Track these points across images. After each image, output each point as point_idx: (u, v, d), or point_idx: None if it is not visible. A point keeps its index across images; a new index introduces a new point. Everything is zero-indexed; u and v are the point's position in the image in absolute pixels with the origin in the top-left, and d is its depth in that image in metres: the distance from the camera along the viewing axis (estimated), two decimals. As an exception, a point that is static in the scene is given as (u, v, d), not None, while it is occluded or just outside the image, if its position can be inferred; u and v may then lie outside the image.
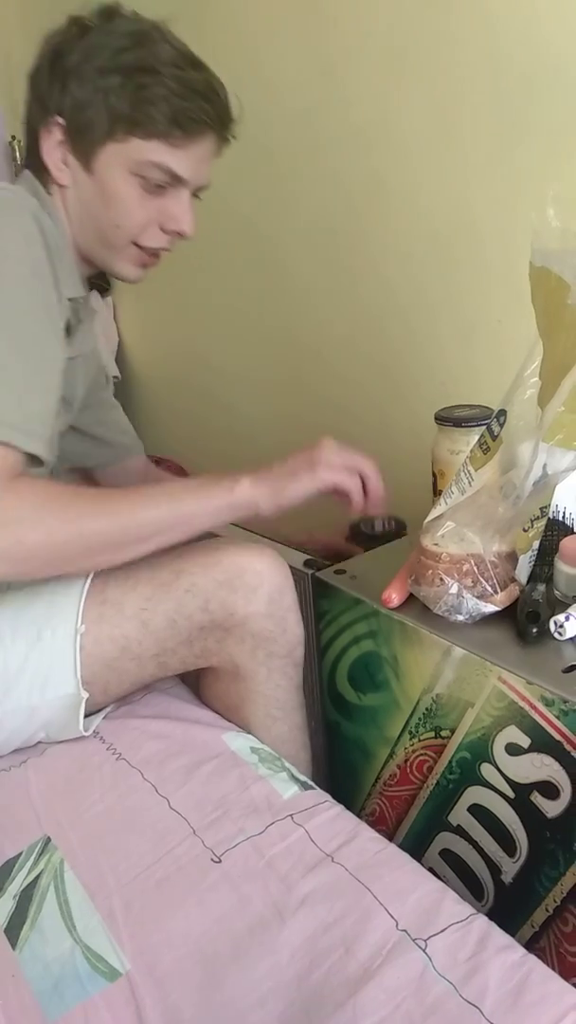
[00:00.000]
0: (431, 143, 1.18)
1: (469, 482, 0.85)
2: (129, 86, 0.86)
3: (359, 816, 0.84)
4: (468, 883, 0.87)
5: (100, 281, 2.01)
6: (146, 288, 1.97)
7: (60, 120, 0.88)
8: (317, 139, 1.34)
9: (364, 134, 1.26)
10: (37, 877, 0.77)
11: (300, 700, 0.98)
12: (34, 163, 0.92)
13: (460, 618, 0.81)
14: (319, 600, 0.97)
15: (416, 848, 0.91)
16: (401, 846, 0.79)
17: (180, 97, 0.87)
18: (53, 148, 0.89)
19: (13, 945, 0.72)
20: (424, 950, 0.67)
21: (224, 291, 1.67)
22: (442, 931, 0.68)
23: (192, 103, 0.88)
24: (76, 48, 0.87)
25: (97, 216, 0.91)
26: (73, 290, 0.93)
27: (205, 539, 0.92)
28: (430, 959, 0.66)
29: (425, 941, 0.67)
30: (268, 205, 1.47)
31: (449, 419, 0.98)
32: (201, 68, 0.91)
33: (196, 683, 1.01)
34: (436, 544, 0.83)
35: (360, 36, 1.21)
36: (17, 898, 0.76)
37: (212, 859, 0.77)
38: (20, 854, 0.80)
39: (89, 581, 0.91)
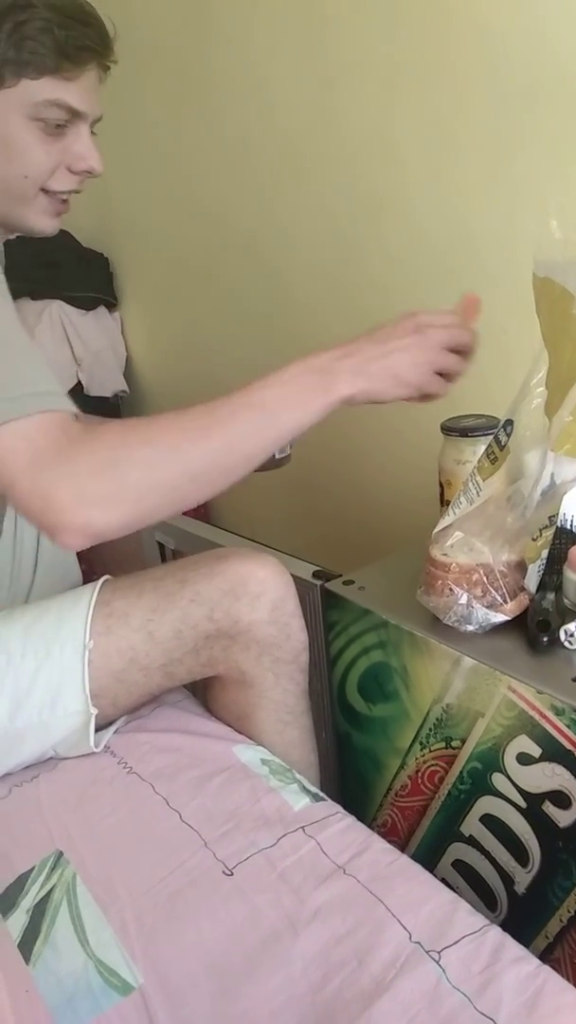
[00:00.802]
0: (431, 156, 1.19)
1: (477, 492, 0.85)
2: (6, 26, 0.82)
3: (370, 827, 0.83)
4: (481, 894, 0.87)
5: (107, 296, 2.03)
6: (153, 303, 1.99)
7: None
8: (317, 154, 1.35)
9: (364, 148, 1.27)
10: (50, 892, 0.77)
11: (308, 705, 0.98)
12: None
13: (470, 628, 0.81)
14: (328, 611, 0.97)
15: (428, 859, 0.90)
16: (413, 857, 0.79)
17: (61, 27, 0.83)
18: None
19: (27, 960, 0.72)
20: (438, 962, 0.66)
21: (229, 306, 1.68)
22: (456, 943, 0.68)
23: (74, 31, 0.83)
24: None
25: (1, 171, 0.86)
26: None
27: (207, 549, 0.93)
28: (444, 971, 0.66)
29: (439, 953, 0.67)
30: (271, 219, 1.48)
31: (455, 429, 0.98)
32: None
33: (204, 696, 1.02)
34: (445, 554, 0.83)
35: (359, 51, 1.22)
36: (30, 913, 0.76)
37: (224, 872, 0.77)
38: (33, 869, 0.80)
39: (96, 594, 0.92)
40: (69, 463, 0.72)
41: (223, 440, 0.77)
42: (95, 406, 1.97)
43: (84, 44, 0.84)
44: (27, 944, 0.73)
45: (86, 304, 1.97)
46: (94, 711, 0.89)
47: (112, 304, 2.05)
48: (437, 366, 0.83)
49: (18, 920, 0.75)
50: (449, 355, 0.83)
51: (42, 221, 0.92)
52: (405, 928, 0.69)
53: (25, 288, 1.93)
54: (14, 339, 0.77)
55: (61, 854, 0.81)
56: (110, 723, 0.95)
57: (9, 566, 1.02)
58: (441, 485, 1.02)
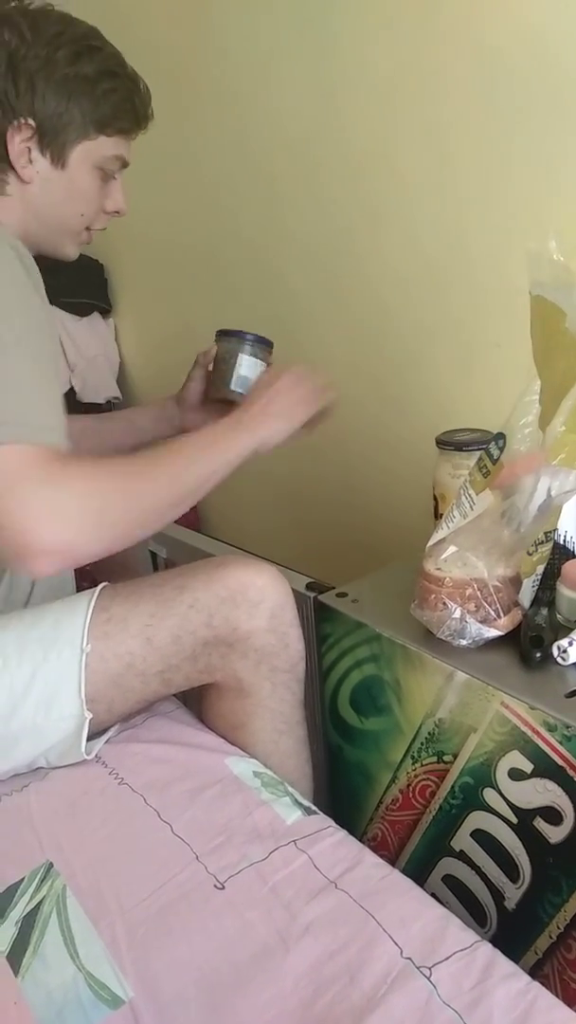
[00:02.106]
0: (428, 170, 1.19)
1: (471, 506, 0.86)
2: (99, 91, 0.94)
3: (361, 840, 0.83)
4: (471, 909, 0.87)
5: (101, 303, 2.03)
6: (147, 310, 1.99)
7: (31, 122, 0.92)
8: (316, 166, 1.35)
9: (362, 161, 1.28)
10: (39, 903, 0.77)
11: (303, 715, 0.99)
12: None
13: (463, 643, 0.82)
14: (321, 623, 0.97)
15: (419, 873, 0.91)
16: (403, 871, 0.79)
17: (137, 96, 0.98)
18: (20, 147, 0.93)
19: (16, 972, 0.71)
20: (429, 978, 0.66)
21: (224, 313, 1.68)
22: (447, 959, 0.68)
23: (143, 100, 1.00)
24: (28, 51, 0.92)
25: (61, 208, 0.97)
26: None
27: (199, 558, 0.94)
28: (435, 987, 0.66)
29: (430, 969, 0.67)
30: (269, 230, 1.49)
31: (450, 443, 0.99)
32: (121, 57, 0.99)
33: (198, 707, 1.01)
34: (439, 568, 0.83)
35: (358, 65, 1.23)
36: (19, 924, 0.75)
37: (215, 885, 0.77)
38: (22, 880, 0.79)
39: (95, 600, 0.92)
40: (47, 492, 0.77)
41: (171, 484, 0.88)
42: (88, 412, 1.97)
43: (148, 113, 1.00)
44: (16, 956, 0.73)
45: (81, 310, 1.97)
46: (88, 715, 0.89)
47: (106, 311, 2.05)
48: (311, 400, 1.02)
49: (7, 932, 0.75)
50: (315, 389, 1.02)
51: (73, 250, 1.04)
52: (396, 944, 0.69)
53: (20, 293, 1.93)
54: (30, 364, 0.81)
55: (51, 865, 0.81)
56: (102, 732, 0.95)
57: (6, 575, 1.01)
58: (435, 498, 1.03)
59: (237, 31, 1.40)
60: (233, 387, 1.11)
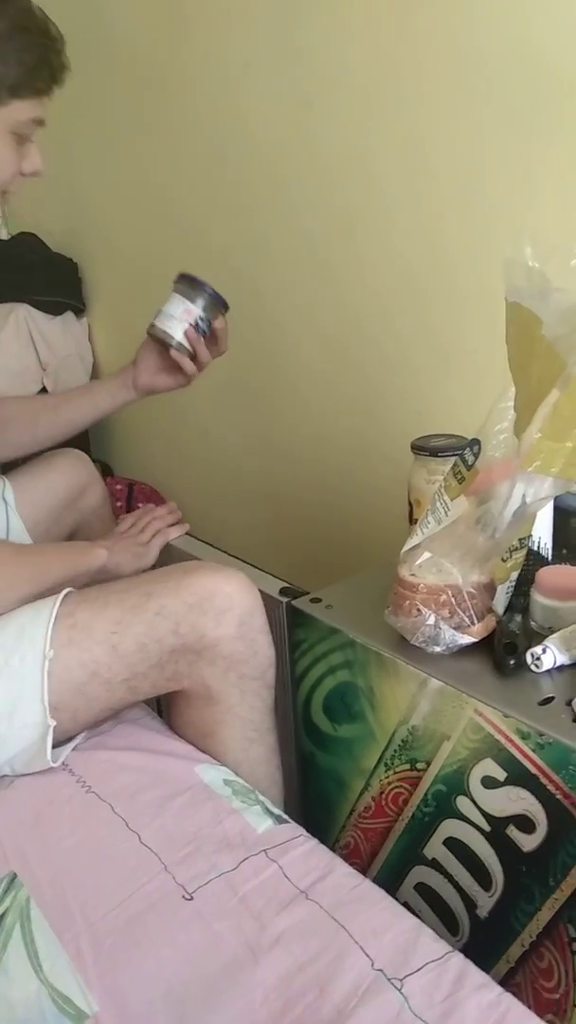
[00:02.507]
0: (404, 178, 1.19)
1: (445, 512, 0.85)
2: (9, 52, 0.87)
3: (333, 848, 0.82)
4: (443, 918, 0.86)
5: (75, 302, 2.00)
6: (121, 310, 1.97)
7: None
8: (292, 173, 1.35)
9: (338, 168, 1.27)
10: (2, 915, 0.75)
11: (274, 722, 0.98)
12: None
13: (437, 649, 0.81)
14: (294, 629, 0.96)
15: (391, 881, 0.90)
16: (376, 879, 0.78)
17: (52, 51, 0.91)
18: None
19: (-23, 988, 0.69)
20: (400, 990, 0.65)
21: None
22: (418, 970, 0.67)
23: (61, 56, 0.92)
24: None
25: None
26: None
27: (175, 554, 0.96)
28: (406, 999, 0.65)
29: (401, 981, 0.66)
30: (243, 237, 1.48)
31: (425, 448, 0.98)
32: (38, 11, 0.92)
33: (167, 713, 1.00)
34: (413, 574, 0.83)
35: (334, 70, 1.22)
36: (-19, 938, 0.73)
37: (184, 896, 0.75)
38: (-15, 891, 0.77)
39: (58, 605, 0.90)
40: None
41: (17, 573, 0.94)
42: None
43: (66, 66, 0.93)
44: (-22, 971, 0.71)
45: (53, 309, 1.94)
46: (52, 723, 0.87)
47: (80, 310, 2.02)
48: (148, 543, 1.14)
49: (-31, 945, 0.73)
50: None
51: None
52: (367, 955, 0.68)
53: (-9, 291, 1.90)
54: None
55: (15, 876, 0.79)
56: (69, 739, 0.93)
57: None
58: (410, 504, 1.02)
59: (213, 37, 1.39)
60: (156, 322, 1.13)
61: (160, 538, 1.15)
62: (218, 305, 1.13)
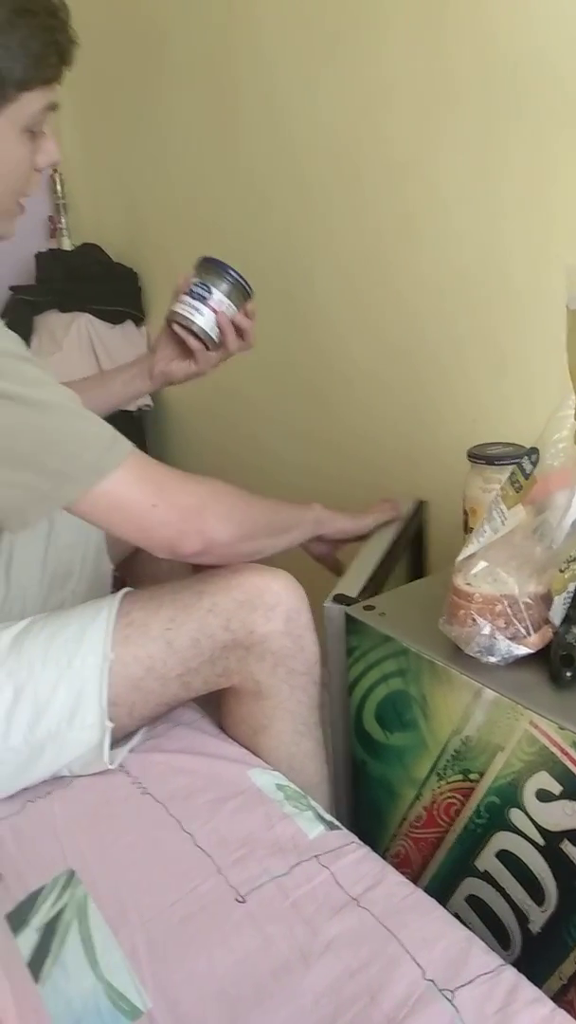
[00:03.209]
0: (464, 180, 1.19)
1: (502, 521, 0.85)
2: (14, 41, 0.78)
3: (383, 857, 0.82)
4: (494, 931, 0.86)
5: (134, 311, 2.04)
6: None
7: None
8: (354, 175, 1.35)
9: (400, 170, 1.27)
10: (61, 911, 0.77)
11: (320, 718, 0.99)
12: None
13: (492, 660, 0.81)
14: (348, 636, 0.97)
15: (441, 893, 0.89)
16: (426, 890, 0.78)
17: (60, 31, 0.81)
18: None
19: (36, 979, 0.71)
20: (452, 1001, 0.65)
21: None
22: (470, 982, 0.67)
23: (66, 34, 0.82)
24: None
25: None
26: None
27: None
28: (458, 1011, 0.65)
29: (452, 992, 0.66)
30: (300, 239, 1.49)
31: (482, 456, 0.98)
32: None
33: (219, 713, 1.01)
34: (468, 584, 0.82)
35: (398, 74, 1.22)
36: (41, 932, 0.75)
37: (236, 899, 0.76)
38: (44, 887, 0.79)
39: (116, 607, 0.92)
40: (195, 482, 0.89)
41: (274, 515, 1.00)
42: (119, 419, 1.97)
43: (74, 42, 0.83)
44: (37, 963, 0.73)
45: (114, 318, 1.98)
46: (110, 725, 0.89)
47: (139, 319, 2.06)
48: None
49: (28, 938, 0.75)
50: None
51: (8, 227, 0.90)
52: (419, 965, 0.68)
53: (55, 300, 1.95)
54: (63, 400, 0.81)
55: (73, 873, 0.81)
56: (125, 739, 0.95)
57: (41, 584, 1.03)
58: (465, 512, 1.02)
59: (279, 41, 1.41)
60: (176, 307, 1.08)
61: (378, 514, 1.14)
62: (243, 291, 1.09)
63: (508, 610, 0.80)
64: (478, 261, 1.20)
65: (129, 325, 2.03)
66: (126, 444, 0.83)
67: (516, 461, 0.90)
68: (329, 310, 1.46)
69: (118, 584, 1.17)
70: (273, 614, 0.90)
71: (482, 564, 0.83)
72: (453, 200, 1.21)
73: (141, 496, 0.83)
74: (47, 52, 0.80)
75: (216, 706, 1.01)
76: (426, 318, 1.30)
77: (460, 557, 0.86)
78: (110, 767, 0.91)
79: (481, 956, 0.69)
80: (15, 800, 0.90)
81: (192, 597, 0.91)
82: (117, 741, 0.92)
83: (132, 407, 2.01)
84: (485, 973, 0.67)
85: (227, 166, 1.61)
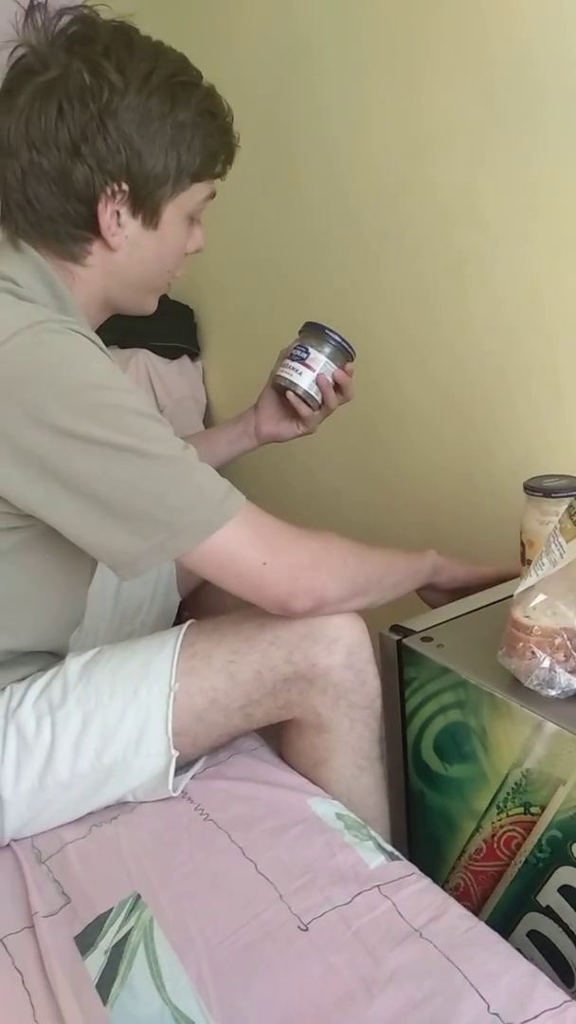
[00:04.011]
0: (513, 221, 1.20)
1: (560, 554, 0.85)
2: (196, 139, 0.87)
3: (442, 889, 0.83)
4: (557, 967, 0.85)
5: (190, 346, 2.09)
6: (235, 354, 2.05)
7: (124, 186, 0.85)
8: (404, 216, 1.38)
9: (449, 213, 1.30)
10: (128, 934, 0.79)
11: (381, 752, 0.99)
12: (65, 233, 0.87)
13: (552, 693, 0.81)
14: (405, 667, 0.98)
15: (502, 927, 0.88)
16: (487, 924, 0.78)
17: (231, 133, 0.92)
18: (111, 214, 0.86)
19: (104, 1002, 0.73)
20: (517, 1036, 0.65)
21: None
22: (535, 1017, 0.67)
23: (233, 136, 0.92)
24: (120, 102, 0.82)
25: (148, 268, 0.92)
26: None
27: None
28: (523, 1046, 0.64)
29: (518, 1027, 0.66)
30: (355, 279, 1.52)
31: (539, 489, 0.98)
32: (215, 91, 0.91)
33: (279, 743, 1.03)
34: (528, 616, 0.83)
35: (449, 119, 1.25)
36: (108, 954, 0.77)
37: (299, 927, 0.77)
38: (111, 910, 0.81)
39: (181, 638, 0.94)
40: (306, 539, 0.89)
41: (385, 569, 0.99)
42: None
43: (238, 146, 0.93)
44: (105, 986, 0.75)
45: (171, 353, 2.03)
46: (175, 753, 0.91)
47: (195, 354, 2.11)
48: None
49: (96, 960, 0.77)
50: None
51: (154, 304, 1.00)
52: (483, 998, 0.68)
53: (114, 337, 2.01)
54: (180, 454, 0.83)
55: (139, 897, 0.83)
56: (188, 767, 0.97)
57: (113, 617, 1.07)
58: (522, 544, 1.02)
59: (332, 87, 1.45)
60: (282, 372, 1.13)
61: (501, 567, 1.11)
62: (344, 353, 1.13)
63: (568, 643, 0.81)
64: (525, 301, 1.22)
65: (185, 360, 2.08)
66: (239, 499, 0.85)
67: (574, 494, 0.91)
68: (382, 349, 1.48)
69: (181, 614, 1.20)
70: (335, 647, 0.91)
71: (541, 597, 0.84)
72: (499, 243, 1.23)
73: (252, 553, 0.84)
74: (221, 151, 0.91)
75: (275, 735, 1.02)
76: (486, 347, 1.31)
77: (519, 589, 0.87)
78: (173, 795, 0.93)
79: (546, 991, 0.69)
80: (81, 824, 0.93)
81: (254, 630, 0.93)
82: (179, 768, 0.94)
83: (187, 439, 2.06)
84: (551, 1009, 0.67)
85: (284, 209, 1.65)
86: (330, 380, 1.13)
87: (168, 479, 0.81)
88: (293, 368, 1.13)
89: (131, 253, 0.90)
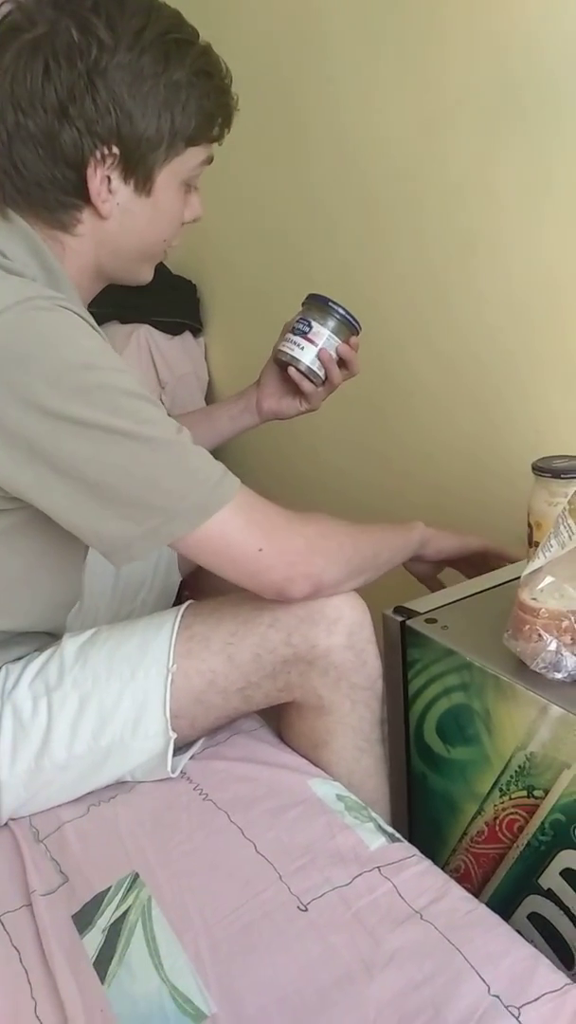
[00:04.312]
0: (527, 199, 1.18)
1: (569, 535, 0.84)
2: (193, 99, 0.82)
3: (443, 871, 0.82)
4: (557, 950, 0.85)
5: (193, 322, 2.07)
6: (237, 330, 2.03)
7: (115, 149, 0.81)
8: (415, 193, 1.36)
9: (462, 189, 1.27)
10: (125, 912, 0.78)
11: (383, 734, 0.99)
12: (54, 200, 0.83)
13: (558, 676, 0.80)
14: (409, 649, 0.97)
15: (503, 909, 0.88)
16: (487, 906, 0.78)
17: (229, 94, 0.87)
18: (101, 179, 0.82)
19: (102, 980, 0.73)
20: (518, 1018, 0.65)
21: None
22: (535, 1000, 0.66)
23: (231, 97, 0.88)
24: (110, 59, 0.78)
25: (142, 236, 0.88)
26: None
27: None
28: (524, 1029, 0.64)
29: (518, 1009, 0.65)
30: (365, 254, 1.50)
31: (548, 470, 0.97)
32: (212, 49, 0.86)
33: (278, 724, 1.02)
34: (535, 598, 0.82)
35: (460, 95, 1.23)
36: (106, 932, 0.77)
37: (299, 907, 0.77)
38: (109, 888, 0.81)
39: (179, 619, 0.93)
40: (302, 524, 0.87)
41: (378, 546, 0.97)
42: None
43: (237, 109, 0.89)
44: (102, 964, 0.74)
45: (173, 329, 2.01)
46: (173, 735, 0.90)
47: (197, 330, 2.08)
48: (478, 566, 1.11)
49: (94, 939, 0.77)
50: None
51: (149, 274, 0.95)
52: (484, 980, 0.68)
53: (115, 312, 1.99)
54: (173, 437, 0.81)
55: (137, 876, 0.82)
56: (186, 747, 0.96)
57: (113, 596, 1.05)
58: (530, 526, 1.01)
59: (344, 61, 1.42)
60: (283, 346, 1.09)
61: (485, 540, 1.11)
62: (350, 327, 1.10)
63: (575, 626, 0.80)
64: (537, 282, 1.20)
65: (187, 336, 2.06)
66: (234, 483, 0.83)
67: (582, 475, 0.89)
68: (391, 327, 1.46)
69: (181, 593, 1.19)
70: (335, 628, 0.90)
71: (548, 579, 0.83)
72: (511, 222, 1.21)
73: (248, 539, 0.82)
74: (218, 113, 0.86)
75: (275, 716, 1.01)
76: (497, 328, 1.29)
77: (526, 571, 0.85)
78: (172, 776, 0.93)
79: (547, 974, 0.69)
80: (80, 804, 0.92)
81: (253, 611, 0.91)
82: (178, 749, 0.93)
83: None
84: (552, 991, 0.67)
85: (292, 181, 1.63)
86: (333, 355, 1.10)
87: (162, 463, 0.79)
88: (295, 343, 1.10)
89: (123, 221, 0.86)
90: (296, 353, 1.10)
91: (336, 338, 1.09)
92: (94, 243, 0.87)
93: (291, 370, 1.11)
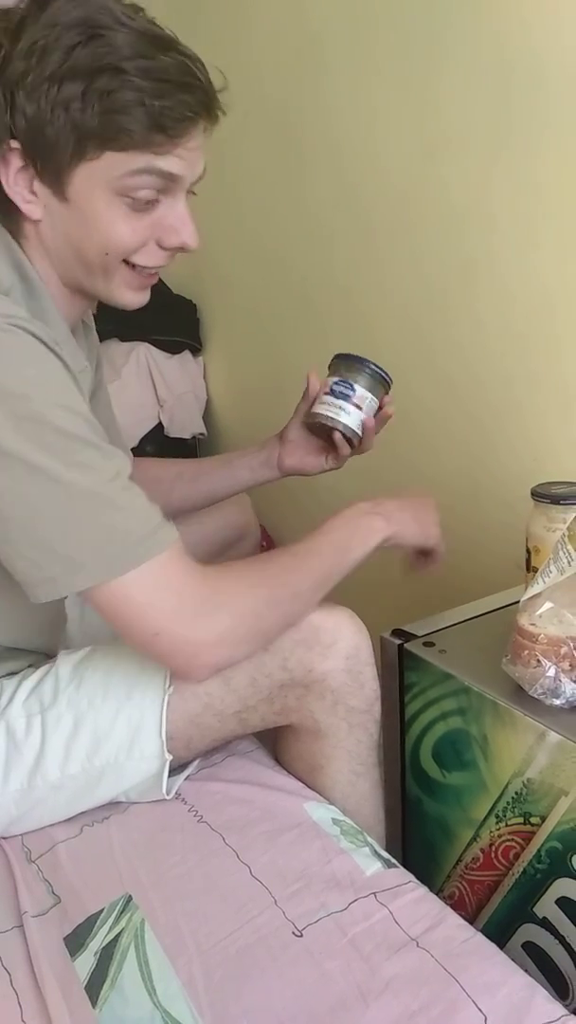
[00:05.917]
0: (523, 224, 1.20)
1: (568, 561, 0.84)
2: (92, 94, 0.73)
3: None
4: (552, 979, 0.84)
5: (192, 341, 2.08)
6: (237, 350, 2.04)
7: (15, 144, 0.75)
8: (415, 219, 1.37)
9: (459, 215, 1.29)
10: (118, 935, 0.77)
11: (379, 758, 0.98)
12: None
13: (557, 702, 0.80)
14: (406, 672, 0.97)
15: (497, 937, 0.87)
16: (482, 933, 0.77)
17: (156, 97, 0.73)
18: (15, 178, 0.77)
19: (93, 1003, 0.72)
20: (514, 1050, 0.64)
21: (313, 356, 1.70)
22: (532, 1031, 0.66)
23: (171, 99, 0.74)
24: (15, 50, 0.73)
25: (80, 246, 0.80)
26: (77, 364, 0.86)
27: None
28: (521, 1060, 0.63)
29: (515, 1040, 0.65)
30: (364, 278, 1.51)
31: (547, 495, 0.98)
32: (170, 47, 0.75)
33: (275, 746, 1.01)
34: (533, 624, 0.82)
35: (461, 121, 1.25)
36: (98, 955, 0.76)
37: (294, 932, 0.76)
38: (102, 910, 0.80)
39: None
40: (211, 614, 0.80)
41: (314, 577, 0.88)
42: (174, 447, 2.02)
43: (182, 115, 0.75)
44: (94, 987, 0.73)
45: (172, 348, 2.02)
46: (168, 757, 0.90)
47: (196, 349, 2.10)
48: (437, 524, 1.02)
49: (86, 962, 0.76)
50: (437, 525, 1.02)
51: (126, 295, 0.86)
52: (480, 1010, 0.67)
53: (115, 330, 2.00)
54: (100, 488, 0.75)
55: (130, 898, 0.81)
56: (181, 768, 0.95)
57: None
58: (528, 551, 1.01)
59: (344, 86, 1.44)
60: (320, 409, 1.05)
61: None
62: (383, 383, 1.06)
63: (574, 652, 0.80)
64: (535, 304, 1.21)
65: (187, 355, 2.07)
66: (155, 546, 0.76)
67: (582, 502, 0.90)
68: (391, 349, 1.47)
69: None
70: (331, 652, 0.89)
71: (548, 605, 0.83)
72: (509, 246, 1.22)
73: (145, 618, 0.77)
74: (130, 115, 0.74)
75: (271, 737, 1.01)
76: (494, 353, 1.30)
77: (525, 597, 0.86)
78: (167, 798, 0.92)
79: (543, 1004, 0.68)
80: (73, 824, 0.91)
81: None
82: (173, 770, 0.92)
83: (187, 435, 2.05)
84: (549, 1022, 0.66)
85: (293, 205, 1.65)
86: (372, 416, 1.07)
87: (77, 511, 0.74)
88: (338, 406, 1.05)
89: (53, 225, 0.80)
90: (342, 418, 1.05)
91: (373, 396, 1.06)
92: (42, 250, 0.83)
93: (336, 435, 1.07)
